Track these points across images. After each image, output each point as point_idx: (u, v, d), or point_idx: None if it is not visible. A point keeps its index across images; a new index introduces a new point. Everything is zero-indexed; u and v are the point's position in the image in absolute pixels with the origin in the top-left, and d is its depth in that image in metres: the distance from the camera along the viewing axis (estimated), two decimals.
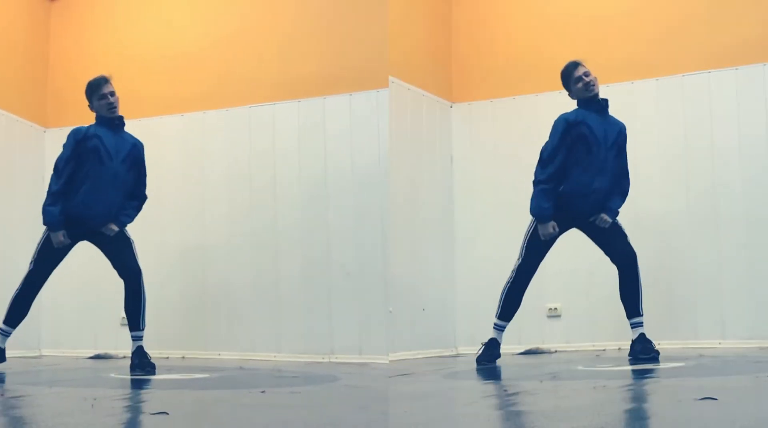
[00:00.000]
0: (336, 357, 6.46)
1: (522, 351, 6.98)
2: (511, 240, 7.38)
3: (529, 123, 7.47)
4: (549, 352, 6.90)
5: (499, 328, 5.74)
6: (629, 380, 4.19)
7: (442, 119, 7.74)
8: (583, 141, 5.52)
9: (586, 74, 5.65)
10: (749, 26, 6.89)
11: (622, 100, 7.01)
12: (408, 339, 6.97)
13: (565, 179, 5.54)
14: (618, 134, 5.62)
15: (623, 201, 5.68)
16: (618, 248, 5.50)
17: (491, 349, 5.68)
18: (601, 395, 3.51)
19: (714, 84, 6.93)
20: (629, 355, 5.36)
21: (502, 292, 5.77)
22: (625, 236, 5.53)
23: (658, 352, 5.27)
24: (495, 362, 5.61)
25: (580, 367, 5.07)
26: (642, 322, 5.43)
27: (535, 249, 5.72)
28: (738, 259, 6.70)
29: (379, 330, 6.24)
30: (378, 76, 6.51)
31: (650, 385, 3.90)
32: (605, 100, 5.67)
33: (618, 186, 5.63)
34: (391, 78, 6.97)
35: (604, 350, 6.63)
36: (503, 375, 4.91)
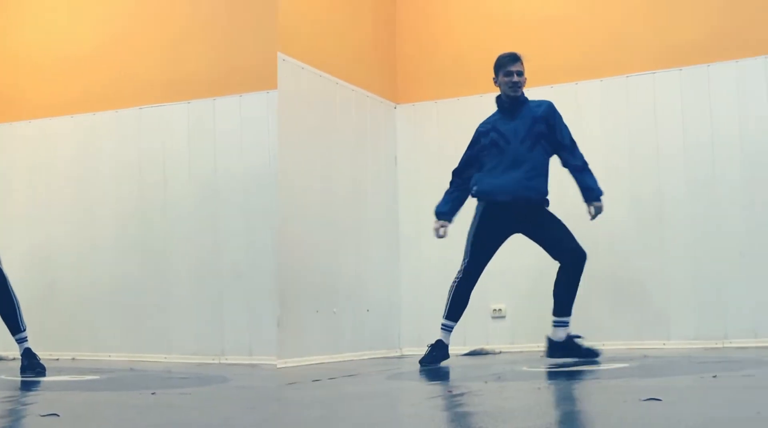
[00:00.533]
0: (226, 359, 6.31)
1: (467, 352, 6.95)
2: (456, 241, 7.36)
3: (473, 124, 7.42)
4: (494, 353, 6.88)
5: (447, 329, 5.71)
6: (573, 381, 4.16)
7: (387, 120, 7.69)
8: (495, 145, 5.66)
9: (519, 74, 5.71)
10: (693, 27, 6.93)
11: (567, 101, 7.02)
12: (352, 340, 6.93)
13: (481, 181, 5.69)
14: (533, 122, 5.62)
15: (592, 174, 5.66)
16: (567, 246, 5.48)
17: (436, 350, 5.62)
18: (545, 396, 3.47)
19: (658, 85, 6.97)
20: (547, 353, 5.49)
21: (449, 292, 5.73)
22: (572, 235, 5.51)
23: (595, 352, 5.36)
24: (439, 363, 5.55)
25: (524, 368, 5.03)
26: (567, 323, 5.47)
27: (479, 250, 5.71)
28: (683, 261, 6.73)
29: (270, 331, 6.10)
30: (269, 78, 6.37)
31: (594, 386, 3.87)
32: (515, 102, 5.74)
33: (570, 165, 5.65)
34: (335, 78, 6.94)
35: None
36: (447, 376, 4.86)
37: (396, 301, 7.59)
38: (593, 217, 5.57)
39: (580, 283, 5.48)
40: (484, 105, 7.36)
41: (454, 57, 7.71)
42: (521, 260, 7.01)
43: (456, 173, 5.98)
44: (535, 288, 7.03)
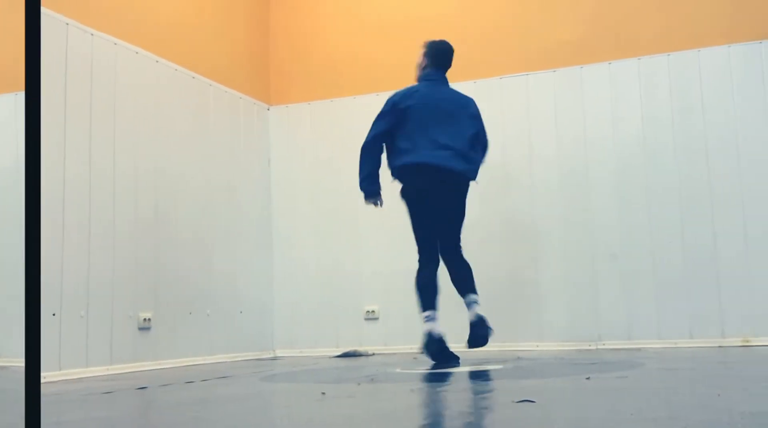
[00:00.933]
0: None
1: (340, 353, 6.84)
2: (329, 242, 7.31)
3: (347, 125, 7.40)
4: (367, 355, 6.79)
5: (430, 319, 5.27)
6: (448, 382, 4.07)
7: (260, 121, 7.55)
8: (423, 107, 5.51)
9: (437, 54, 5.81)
10: (566, 29, 6.97)
11: None
12: (226, 342, 6.78)
13: (408, 151, 5.45)
14: (459, 106, 5.59)
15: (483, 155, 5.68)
16: (450, 240, 5.50)
17: (435, 343, 5.25)
18: (418, 398, 3.38)
19: (532, 86, 6.99)
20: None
21: (416, 286, 5.43)
22: (459, 228, 5.53)
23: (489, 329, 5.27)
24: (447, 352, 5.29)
25: (398, 370, 4.94)
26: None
27: (424, 239, 5.52)
28: (556, 262, 6.76)
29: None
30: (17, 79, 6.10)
31: (469, 387, 3.79)
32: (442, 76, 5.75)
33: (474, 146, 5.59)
34: (209, 81, 6.77)
35: (421, 352, 6.55)
36: (320, 377, 4.73)
37: (269, 303, 7.45)
38: None
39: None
40: (357, 106, 7.36)
41: (327, 59, 7.67)
42: (394, 262, 6.95)
43: (371, 142, 5.80)
44: (408, 290, 6.97)
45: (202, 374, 5.18)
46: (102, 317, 5.54)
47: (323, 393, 3.53)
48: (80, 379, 5.10)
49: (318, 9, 7.89)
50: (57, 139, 5.29)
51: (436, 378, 4.35)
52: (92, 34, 5.67)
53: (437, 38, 7.16)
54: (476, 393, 3.49)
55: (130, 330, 5.79)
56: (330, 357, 6.58)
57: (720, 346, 6.18)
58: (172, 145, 6.40)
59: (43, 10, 5.11)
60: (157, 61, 6.29)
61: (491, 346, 6.59)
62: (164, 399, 3.70)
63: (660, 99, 6.68)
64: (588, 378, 3.70)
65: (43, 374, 4.89)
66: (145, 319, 5.92)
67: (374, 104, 7.17)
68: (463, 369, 4.76)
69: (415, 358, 5.72)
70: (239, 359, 6.83)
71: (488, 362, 5.21)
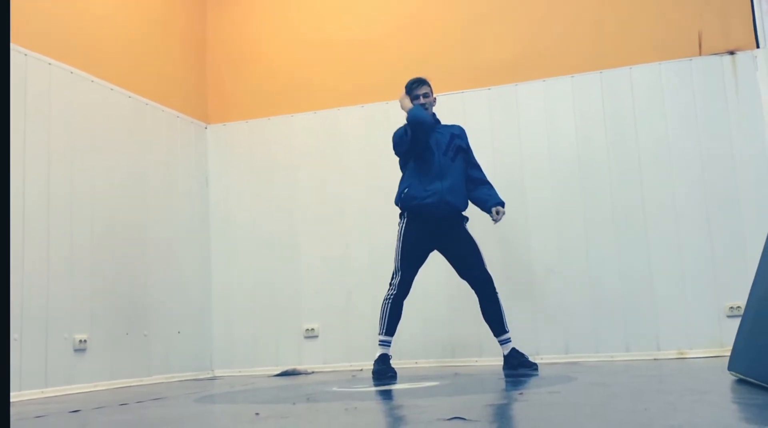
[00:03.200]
0: None
1: (279, 372, 6.82)
2: (268, 260, 7.30)
3: (285, 142, 7.43)
4: (306, 373, 6.77)
5: (386, 344, 5.61)
6: (382, 401, 4.09)
7: (198, 140, 7.54)
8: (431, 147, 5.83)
9: (425, 95, 5.90)
10: (502, 48, 7.05)
11: (378, 121, 7.07)
12: (163, 362, 6.74)
13: (408, 185, 5.78)
14: (451, 137, 5.90)
15: (493, 189, 5.99)
16: (474, 274, 5.75)
17: (385, 364, 5.56)
18: (352, 417, 3.38)
19: (468, 104, 7.05)
20: (505, 368, 5.69)
21: (384, 309, 5.63)
22: (481, 260, 5.79)
23: (535, 363, 5.71)
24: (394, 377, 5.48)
25: (335, 388, 4.93)
26: (509, 338, 5.78)
27: (407, 262, 5.69)
28: (494, 278, 6.80)
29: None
30: None
31: (402, 406, 3.81)
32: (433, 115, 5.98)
33: (478, 179, 6.00)
34: (145, 100, 6.75)
35: (360, 370, 6.57)
36: (257, 397, 4.71)
37: (207, 322, 7.42)
38: (497, 220, 5.86)
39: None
40: (295, 124, 7.40)
41: (264, 78, 7.71)
42: (333, 280, 6.97)
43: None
44: (348, 308, 7.00)
45: (137, 396, 5.13)
46: (36, 339, 5.48)
47: (257, 414, 3.52)
48: (13, 403, 5.03)
49: (255, 27, 7.90)
50: None
51: (371, 397, 4.36)
52: (26, 55, 5.63)
53: (373, 59, 7.25)
54: (410, 410, 3.51)
55: (65, 353, 5.74)
56: (269, 377, 6.56)
57: (656, 359, 6.28)
58: (109, 165, 6.36)
59: None
60: (92, 81, 6.26)
61: (431, 362, 6.65)
62: (97, 423, 3.67)
63: (593, 115, 6.80)
64: (521, 394, 3.73)
65: None
66: (80, 341, 5.86)
67: (312, 122, 7.25)
68: (399, 386, 4.77)
69: (353, 376, 5.73)
70: (177, 379, 6.79)
71: (426, 379, 5.23)
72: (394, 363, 5.62)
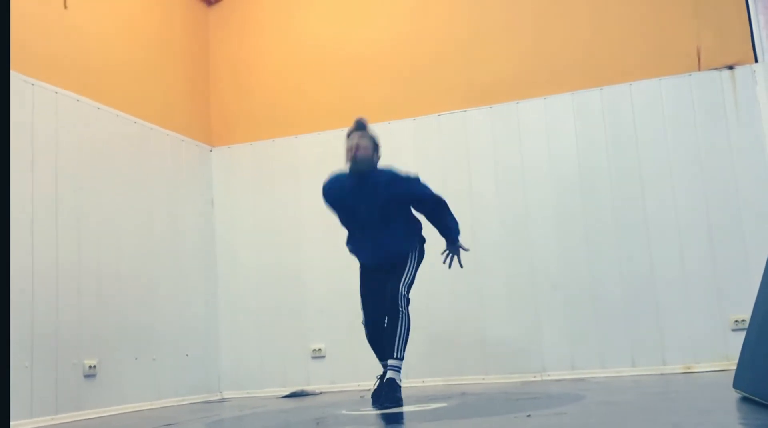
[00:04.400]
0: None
1: (287, 394, 6.86)
2: (274, 281, 7.34)
3: (288, 164, 7.51)
4: (314, 394, 6.81)
5: (392, 368, 5.12)
6: (392, 425, 4.13)
7: (202, 163, 7.61)
8: (342, 206, 5.45)
9: (350, 148, 5.31)
10: (502, 66, 7.12)
11: (381, 140, 7.10)
12: (172, 385, 6.79)
13: (351, 244, 5.53)
14: (379, 189, 5.32)
15: (450, 217, 5.50)
16: (389, 290, 5.26)
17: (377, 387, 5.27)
18: None
19: (469, 122, 7.11)
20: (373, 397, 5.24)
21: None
22: (399, 278, 5.24)
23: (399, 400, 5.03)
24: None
25: (344, 411, 4.97)
26: (395, 366, 5.08)
27: (366, 303, 5.51)
28: (498, 296, 6.86)
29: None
30: None
31: None
32: (360, 169, 5.33)
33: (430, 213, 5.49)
34: (150, 124, 6.82)
35: (368, 390, 6.59)
36: (267, 422, 4.75)
37: (215, 345, 7.46)
38: (446, 254, 5.50)
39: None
40: (298, 146, 7.48)
41: (267, 100, 7.80)
42: (339, 300, 7.01)
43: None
44: (353, 328, 7.03)
45: (148, 421, 5.18)
46: (46, 366, 5.53)
47: None
48: None
49: (258, 51, 7.97)
50: None
51: (380, 421, 4.40)
52: (33, 84, 5.69)
53: (375, 78, 7.29)
54: None
55: (75, 379, 5.78)
56: (277, 398, 6.60)
57: (662, 374, 6.31)
58: (115, 190, 6.42)
59: None
60: (98, 108, 6.33)
61: (438, 380, 6.69)
62: None
63: (594, 132, 6.84)
64: (529, 416, 3.78)
65: None
66: (90, 366, 5.91)
67: (315, 143, 7.31)
68: (407, 408, 4.80)
69: (361, 397, 5.77)
70: (186, 402, 6.83)
71: (434, 399, 5.27)
72: (402, 383, 5.59)
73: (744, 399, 3.71)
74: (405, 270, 5.32)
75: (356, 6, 7.76)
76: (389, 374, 5.05)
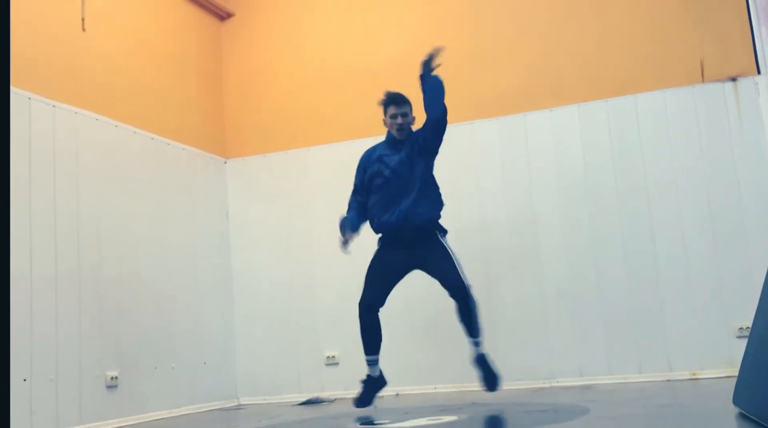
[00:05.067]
0: None
1: (302, 401, 7.01)
2: (288, 290, 7.49)
3: (301, 175, 7.68)
4: (329, 401, 6.96)
5: (370, 363, 5.92)
6: None
7: (217, 175, 7.79)
8: (380, 175, 5.80)
9: (393, 116, 5.80)
10: (509, 78, 7.26)
11: None
12: (190, 393, 6.97)
13: (377, 215, 5.81)
14: (412, 147, 5.77)
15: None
16: (451, 283, 5.65)
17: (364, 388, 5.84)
18: None
19: (477, 133, 7.26)
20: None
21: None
22: (455, 268, 5.67)
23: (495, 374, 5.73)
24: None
25: (358, 425, 5.11)
26: (478, 342, 5.78)
27: (371, 283, 5.86)
28: (505, 307, 7.03)
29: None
30: None
31: None
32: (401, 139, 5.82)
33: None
34: (166, 140, 6.99)
35: (381, 397, 6.74)
36: None
37: (231, 352, 7.64)
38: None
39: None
40: (311, 157, 7.64)
41: (279, 113, 7.97)
42: (352, 307, 7.14)
43: (354, 193, 6.05)
44: None
45: None
46: (71, 379, 5.73)
47: None
48: None
49: (269, 64, 8.14)
50: (22, 207, 5.48)
51: None
52: (54, 106, 5.88)
53: (387, 88, 7.42)
54: None
55: (98, 390, 5.98)
56: (292, 406, 6.76)
57: (668, 380, 6.46)
58: (134, 205, 6.61)
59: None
60: (116, 126, 6.50)
61: (450, 387, 6.84)
62: None
63: (600, 143, 6.98)
64: None
65: None
66: (112, 377, 6.10)
67: (327, 154, 7.48)
68: (418, 422, 4.93)
69: (375, 407, 5.92)
70: (204, 409, 7.02)
71: (444, 410, 5.41)
72: (412, 390, 5.81)
73: (743, 416, 3.85)
74: (452, 261, 5.70)
75: (366, 20, 7.93)
76: (479, 350, 5.78)
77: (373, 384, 5.82)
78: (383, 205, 5.77)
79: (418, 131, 5.84)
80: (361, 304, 5.77)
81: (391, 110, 5.82)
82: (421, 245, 5.72)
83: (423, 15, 7.73)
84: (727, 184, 6.64)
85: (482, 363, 5.76)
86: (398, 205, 5.69)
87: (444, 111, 5.73)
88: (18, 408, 5.21)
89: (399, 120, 5.79)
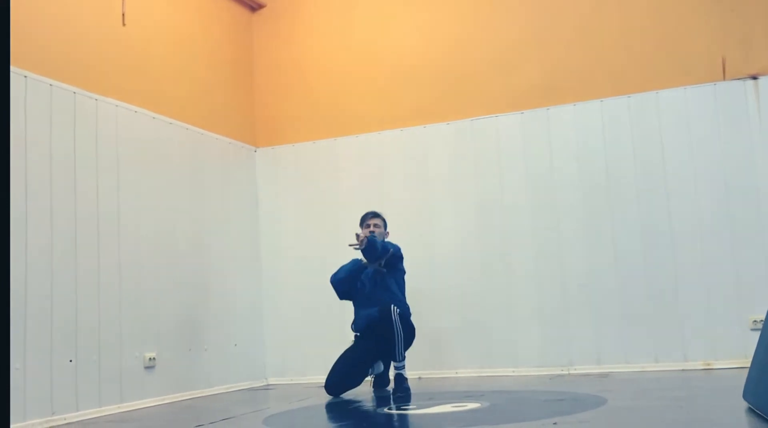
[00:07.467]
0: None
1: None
2: (315, 274, 7.68)
3: (328, 165, 7.90)
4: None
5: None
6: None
7: (248, 163, 8.03)
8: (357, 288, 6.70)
9: (376, 226, 6.66)
10: (533, 73, 7.43)
11: (415, 144, 7.50)
12: (222, 374, 7.23)
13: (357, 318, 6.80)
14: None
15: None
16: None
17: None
18: None
19: (502, 126, 7.44)
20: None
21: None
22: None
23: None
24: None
25: (385, 410, 5.32)
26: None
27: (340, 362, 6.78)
28: (526, 295, 7.28)
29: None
30: None
31: None
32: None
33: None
34: (200, 130, 7.19)
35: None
36: (316, 419, 5.10)
37: (260, 335, 7.91)
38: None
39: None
40: (337, 147, 7.83)
41: (308, 103, 8.13)
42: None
43: None
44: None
45: (205, 414, 5.60)
46: (112, 360, 6.03)
47: None
48: (95, 419, 5.57)
49: (299, 55, 8.36)
50: (67, 199, 5.75)
51: (418, 423, 4.78)
52: (96, 100, 6.13)
53: (413, 84, 7.64)
54: None
55: (137, 370, 6.28)
56: (318, 387, 6.90)
57: (683, 370, 6.67)
58: (170, 192, 6.88)
59: (52, 81, 5.59)
60: (153, 118, 6.75)
61: (473, 371, 7.06)
62: None
63: (622, 138, 7.17)
64: (555, 424, 4.15)
65: (62, 415, 5.40)
66: (150, 359, 6.38)
67: (353, 145, 7.68)
68: (444, 409, 5.14)
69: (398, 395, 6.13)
70: (235, 389, 7.29)
71: (467, 397, 5.62)
72: (436, 373, 6.15)
73: (753, 412, 4.05)
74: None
75: (396, 15, 8.11)
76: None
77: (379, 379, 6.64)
78: (359, 312, 6.78)
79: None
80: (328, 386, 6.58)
81: (365, 222, 6.78)
82: None
83: (452, 9, 7.90)
84: (746, 179, 6.82)
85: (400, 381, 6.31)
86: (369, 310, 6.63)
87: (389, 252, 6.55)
88: (64, 387, 5.52)
89: (371, 228, 6.68)
